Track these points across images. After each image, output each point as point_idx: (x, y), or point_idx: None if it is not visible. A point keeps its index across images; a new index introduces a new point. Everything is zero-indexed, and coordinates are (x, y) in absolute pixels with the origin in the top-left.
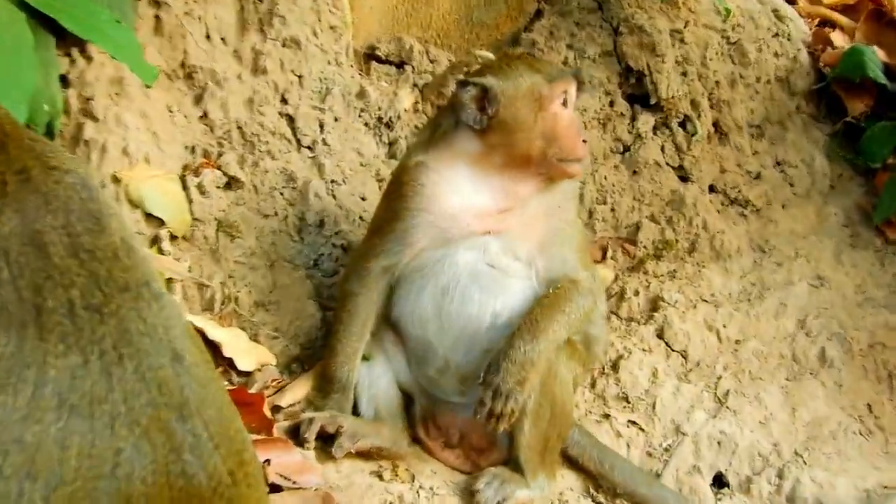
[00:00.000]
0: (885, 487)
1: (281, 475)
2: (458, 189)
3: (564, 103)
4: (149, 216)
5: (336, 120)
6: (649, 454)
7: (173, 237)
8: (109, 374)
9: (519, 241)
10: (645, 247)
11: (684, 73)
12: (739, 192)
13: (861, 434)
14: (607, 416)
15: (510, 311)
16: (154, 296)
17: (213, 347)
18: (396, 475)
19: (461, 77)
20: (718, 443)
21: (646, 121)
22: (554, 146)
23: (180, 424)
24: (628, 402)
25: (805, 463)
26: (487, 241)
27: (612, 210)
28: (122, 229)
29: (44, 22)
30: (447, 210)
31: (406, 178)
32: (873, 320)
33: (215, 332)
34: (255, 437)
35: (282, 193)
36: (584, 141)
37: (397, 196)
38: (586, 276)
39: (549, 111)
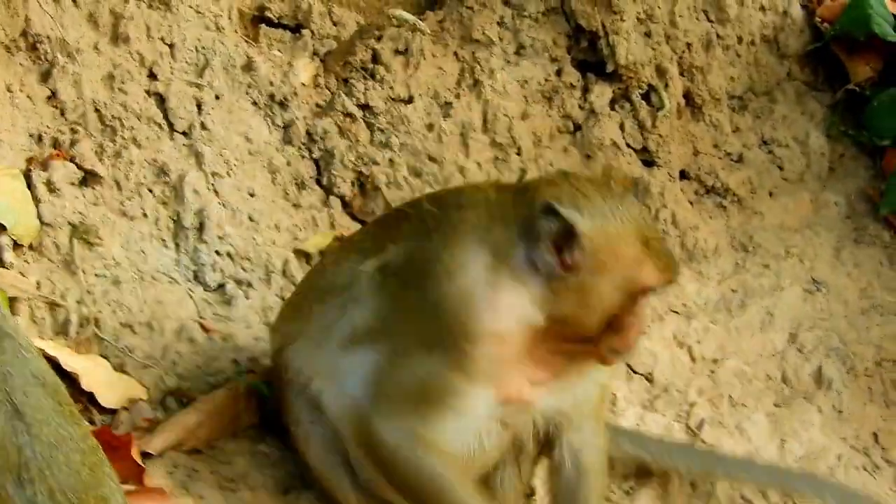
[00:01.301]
0: None
1: None
2: (521, 353)
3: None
4: None
5: (217, 98)
6: (608, 499)
7: (17, 246)
8: None
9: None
10: None
11: (648, 34)
12: (717, 178)
13: (866, 469)
14: None
15: None
16: None
17: (70, 379)
18: None
19: (547, 198)
20: (692, 484)
21: (601, 93)
22: (615, 336)
23: (18, 490)
24: None
25: None
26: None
27: None
28: None
29: None
30: (511, 385)
31: (478, 333)
32: (880, 332)
33: (71, 360)
34: (124, 487)
35: (151, 190)
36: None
37: (464, 362)
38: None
39: (640, 303)
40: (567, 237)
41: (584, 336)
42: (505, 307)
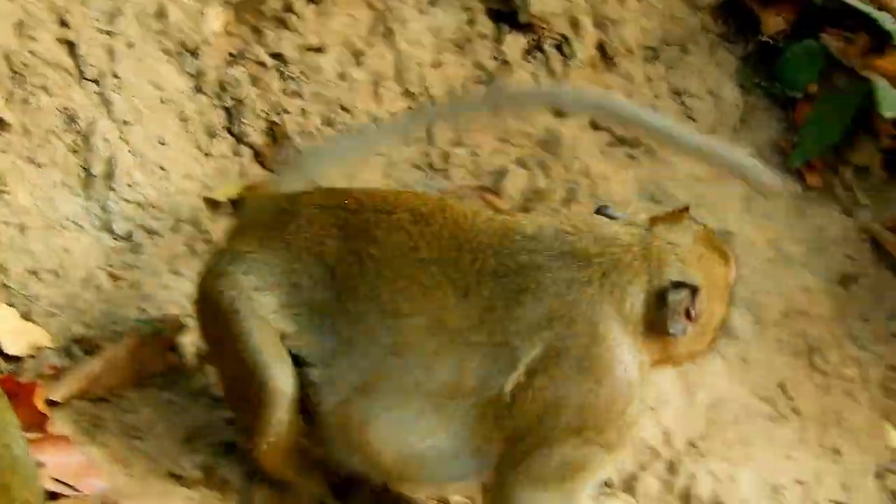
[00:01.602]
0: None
1: (58, 480)
2: None
3: None
4: None
5: (129, 46)
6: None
7: None
8: None
9: None
10: (512, 197)
11: None
12: (628, 129)
13: (771, 419)
14: None
15: None
16: None
17: None
18: (209, 480)
19: (670, 275)
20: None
21: (514, 43)
22: (714, 340)
23: None
24: None
25: (702, 454)
26: None
27: (473, 154)
28: None
29: None
30: None
31: (635, 413)
32: (790, 283)
33: None
34: (27, 435)
35: (60, 138)
36: None
37: (620, 441)
38: None
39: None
40: (692, 297)
41: (697, 356)
42: (644, 380)
